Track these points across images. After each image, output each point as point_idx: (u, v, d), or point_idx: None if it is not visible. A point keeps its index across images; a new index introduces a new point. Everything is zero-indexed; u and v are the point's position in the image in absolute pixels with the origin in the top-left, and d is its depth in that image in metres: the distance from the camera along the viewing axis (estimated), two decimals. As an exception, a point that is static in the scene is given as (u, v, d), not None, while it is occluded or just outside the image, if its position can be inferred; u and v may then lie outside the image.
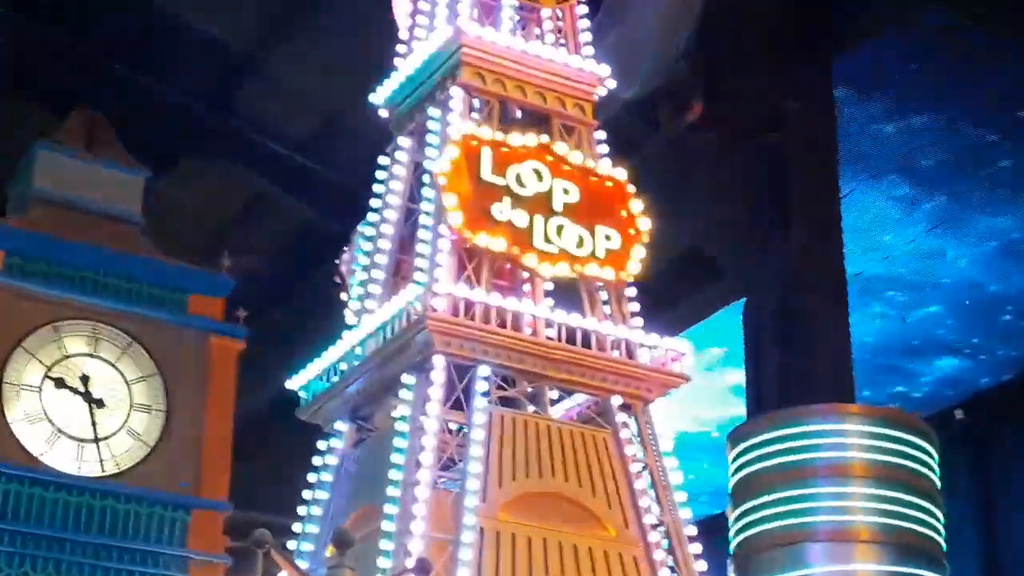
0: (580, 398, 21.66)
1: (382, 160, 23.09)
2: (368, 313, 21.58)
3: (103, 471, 29.50)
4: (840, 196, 32.70)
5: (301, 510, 21.29)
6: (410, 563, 17.26)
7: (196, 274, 31.91)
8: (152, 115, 35.20)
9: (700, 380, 31.09)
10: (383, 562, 18.22)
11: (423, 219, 21.34)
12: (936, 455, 27.77)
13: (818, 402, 27.80)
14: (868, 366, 36.70)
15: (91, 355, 30.20)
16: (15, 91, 34.41)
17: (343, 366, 21.57)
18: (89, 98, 33.64)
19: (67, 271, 30.47)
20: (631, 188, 21.83)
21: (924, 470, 27.30)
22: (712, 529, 26.78)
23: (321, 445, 21.81)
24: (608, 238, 21.37)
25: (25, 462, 28.66)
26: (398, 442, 19.52)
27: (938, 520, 27.15)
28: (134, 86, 34.52)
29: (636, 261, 21.57)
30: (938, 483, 27.61)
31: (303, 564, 19.94)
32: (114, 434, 29.89)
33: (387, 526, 18.76)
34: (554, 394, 21.86)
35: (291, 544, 20.88)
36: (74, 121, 32.99)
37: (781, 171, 31.81)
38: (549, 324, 20.65)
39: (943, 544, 27.10)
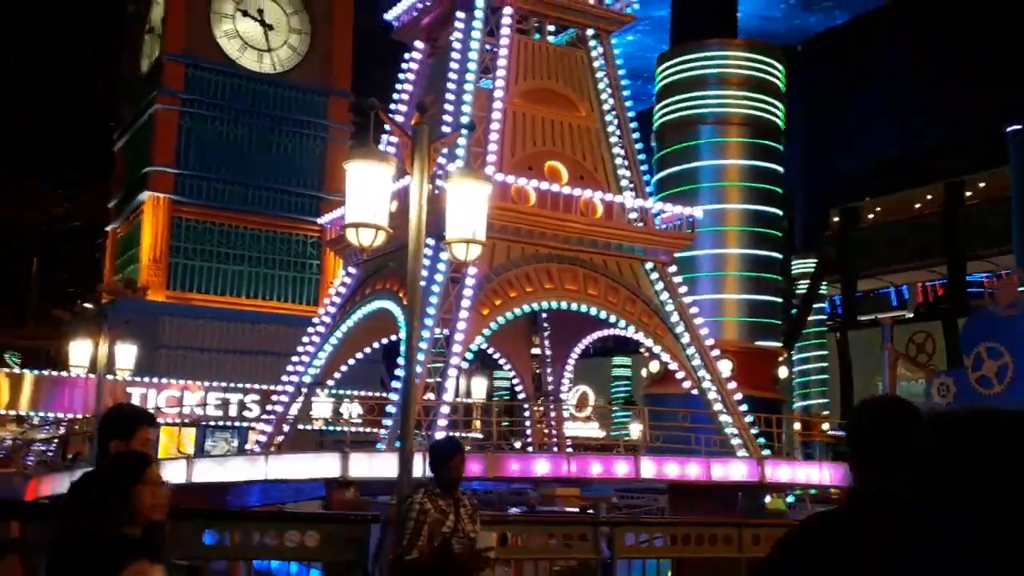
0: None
1: None
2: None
3: (275, 70, 30.91)
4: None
5: (395, 95, 22.25)
6: (464, 119, 18.70)
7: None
8: None
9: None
10: (444, 128, 19.40)
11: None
12: (783, 70, 28.84)
13: (713, 38, 28.64)
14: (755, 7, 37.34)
15: (262, -6, 31.15)
16: None
17: (420, 5, 21.94)
18: None
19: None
20: None
21: (775, 80, 28.56)
22: (645, 119, 28.05)
23: (405, 56, 22.59)
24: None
25: (226, 64, 30.02)
26: (454, 55, 20.49)
27: (780, 111, 28.59)
28: None
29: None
30: (783, 88, 28.81)
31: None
32: (280, 47, 31.00)
33: (448, 107, 19.89)
34: (552, 28, 22.37)
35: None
36: None
37: None
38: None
39: (782, 125, 28.62)
